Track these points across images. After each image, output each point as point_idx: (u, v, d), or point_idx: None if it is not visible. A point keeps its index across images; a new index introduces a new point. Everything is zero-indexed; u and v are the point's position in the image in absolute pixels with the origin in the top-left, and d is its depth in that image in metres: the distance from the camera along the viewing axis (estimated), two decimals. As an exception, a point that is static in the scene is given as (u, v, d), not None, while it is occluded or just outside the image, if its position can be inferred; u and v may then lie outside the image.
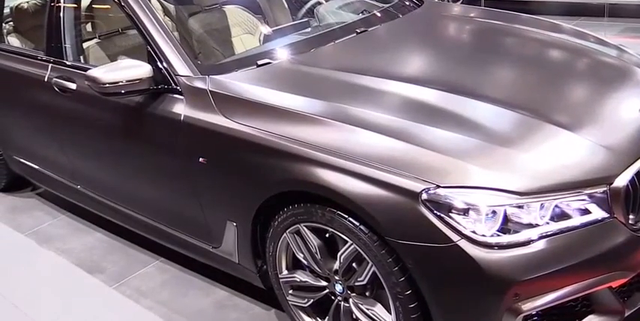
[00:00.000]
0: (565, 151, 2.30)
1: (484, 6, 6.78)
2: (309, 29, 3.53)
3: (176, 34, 3.34)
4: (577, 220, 2.18)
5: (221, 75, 2.85)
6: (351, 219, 2.31)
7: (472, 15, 3.80)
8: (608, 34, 5.35)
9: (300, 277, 2.65)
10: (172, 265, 3.55)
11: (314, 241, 2.51)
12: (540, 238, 2.13)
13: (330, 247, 2.51)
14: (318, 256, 2.53)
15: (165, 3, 3.78)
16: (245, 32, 3.97)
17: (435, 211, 2.13)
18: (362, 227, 2.29)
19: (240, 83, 2.79)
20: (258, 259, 2.82)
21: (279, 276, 2.72)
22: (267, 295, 2.96)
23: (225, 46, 3.73)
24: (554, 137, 2.35)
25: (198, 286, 3.34)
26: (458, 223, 2.12)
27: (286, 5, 4.30)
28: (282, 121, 2.52)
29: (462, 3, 7.52)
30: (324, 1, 3.98)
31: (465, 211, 2.12)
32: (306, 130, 2.45)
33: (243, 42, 3.82)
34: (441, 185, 2.13)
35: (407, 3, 3.73)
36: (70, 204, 4.08)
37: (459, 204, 2.12)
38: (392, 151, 2.28)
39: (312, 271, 2.62)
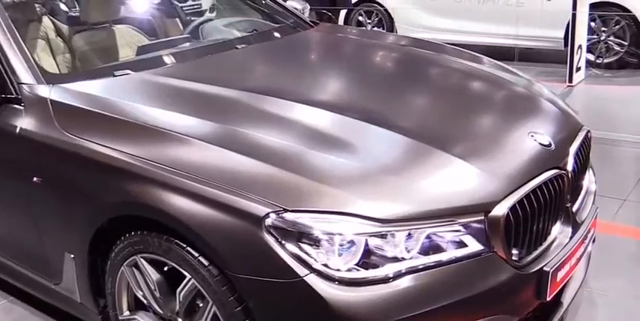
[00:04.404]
0: (445, 177, 2.01)
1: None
2: (187, 44, 3.22)
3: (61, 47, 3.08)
4: (450, 253, 1.88)
5: (68, 84, 2.48)
6: (189, 249, 1.95)
7: (361, 36, 3.59)
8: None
9: (142, 319, 2.26)
10: (20, 305, 3.07)
11: (152, 275, 2.12)
12: (406, 273, 1.82)
13: (173, 283, 2.12)
14: (158, 294, 2.13)
15: (54, 20, 3.45)
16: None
17: (281, 240, 1.79)
18: (201, 259, 1.92)
19: (86, 92, 2.44)
20: (102, 297, 2.40)
21: (120, 317, 2.31)
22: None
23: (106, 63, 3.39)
24: (438, 163, 2.06)
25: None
26: (307, 254, 1.79)
27: (181, 27, 4.02)
28: (121, 135, 2.17)
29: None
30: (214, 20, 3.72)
31: (316, 241, 1.79)
32: (147, 145, 2.10)
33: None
34: (289, 209, 1.79)
35: (296, 24, 3.49)
36: None
37: (309, 232, 1.78)
38: (241, 170, 1.95)
39: (156, 312, 2.22)
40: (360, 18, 8.09)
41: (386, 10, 7.80)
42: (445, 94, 2.71)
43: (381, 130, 2.19)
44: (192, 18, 4.14)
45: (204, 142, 2.04)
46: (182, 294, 2.05)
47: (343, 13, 8.16)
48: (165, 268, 2.09)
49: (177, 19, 4.03)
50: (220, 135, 2.13)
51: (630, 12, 6.34)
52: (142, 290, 2.19)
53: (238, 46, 3.03)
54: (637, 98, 5.79)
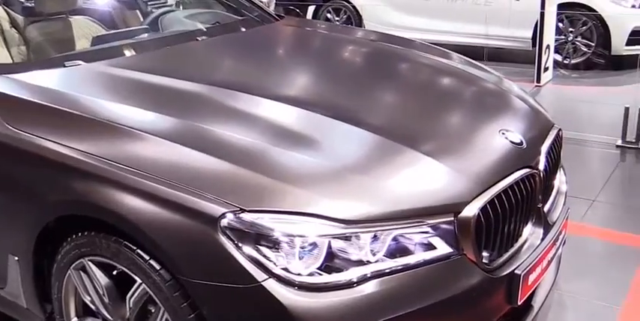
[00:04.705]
0: (413, 176, 1.91)
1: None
2: (145, 35, 3.07)
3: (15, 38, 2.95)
4: (418, 256, 1.77)
5: (12, 74, 2.32)
6: (139, 252, 1.81)
7: (328, 30, 3.48)
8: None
9: (90, 326, 2.11)
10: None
11: (100, 279, 1.98)
12: (371, 278, 1.71)
13: (123, 288, 1.98)
14: (107, 300, 1.99)
15: (9, 10, 3.28)
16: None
17: (238, 242, 1.66)
18: (152, 262, 1.79)
19: (31, 83, 2.28)
20: (49, 302, 2.25)
21: (68, 325, 2.16)
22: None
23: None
24: (406, 161, 1.95)
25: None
26: (266, 257, 1.66)
27: (142, 18, 3.87)
28: (66, 129, 2.03)
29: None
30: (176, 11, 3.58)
31: (276, 243, 1.67)
32: (94, 140, 1.96)
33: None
34: (247, 209, 1.67)
35: (261, 17, 3.37)
36: None
37: (269, 233, 1.66)
38: (197, 167, 1.82)
39: (105, 319, 2.07)
40: (329, 15, 7.99)
41: (354, 7, 7.71)
42: (415, 90, 2.62)
43: (348, 126, 2.08)
44: (154, 10, 4.00)
45: (157, 136, 1.91)
46: (132, 300, 1.91)
47: (311, 10, 8.05)
48: (115, 272, 1.95)
49: (138, 11, 3.88)
50: (174, 129, 2.00)
51: (597, 12, 6.33)
52: (89, 295, 2.05)
53: (199, 38, 2.90)
54: (604, 99, 5.78)
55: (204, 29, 3.03)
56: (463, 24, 6.90)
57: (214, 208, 1.67)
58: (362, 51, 3.17)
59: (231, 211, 1.66)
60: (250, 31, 3.15)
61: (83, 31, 3.56)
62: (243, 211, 1.67)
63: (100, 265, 1.97)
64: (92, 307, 2.07)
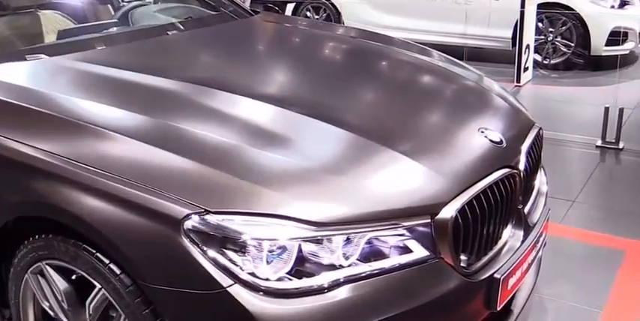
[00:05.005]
0: (389, 176, 1.82)
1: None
2: (114, 29, 2.96)
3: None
4: (393, 260, 1.69)
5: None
6: (99, 255, 1.71)
7: (305, 26, 3.39)
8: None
9: (49, 333, 2.00)
10: None
11: (59, 284, 1.87)
12: (343, 283, 1.62)
13: (83, 294, 1.88)
14: (66, 306, 1.89)
15: None
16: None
17: (202, 246, 1.57)
18: (112, 267, 1.69)
19: (-11, 77, 2.16)
20: (6, 308, 2.14)
21: (25, 331, 2.05)
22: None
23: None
24: (381, 160, 1.86)
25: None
26: (232, 262, 1.57)
27: (113, 13, 3.76)
28: (20, 124, 1.91)
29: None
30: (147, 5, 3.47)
31: (243, 247, 1.57)
32: (50, 137, 1.86)
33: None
34: (212, 210, 1.57)
35: (235, 13, 3.27)
36: None
37: (235, 236, 1.57)
38: (161, 166, 1.72)
39: (65, 326, 1.97)
40: (308, 13, 7.90)
41: (333, 5, 7.63)
42: (393, 87, 2.53)
43: (323, 124, 1.98)
44: (126, 4, 3.89)
45: (119, 134, 1.80)
46: (92, 306, 1.81)
47: (290, 8, 7.96)
48: (74, 277, 1.84)
49: (110, 6, 3.77)
50: (136, 126, 1.90)
51: (577, 12, 6.30)
52: (48, 301, 1.94)
53: (169, 32, 2.79)
54: (583, 99, 5.76)
55: (175, 23, 2.92)
56: (443, 23, 6.85)
57: (177, 210, 1.57)
58: (340, 47, 3.08)
59: (195, 213, 1.57)
60: (224, 26, 3.05)
61: (52, 26, 3.45)
62: (207, 212, 1.57)
63: (59, 269, 1.87)
64: (51, 313, 1.96)
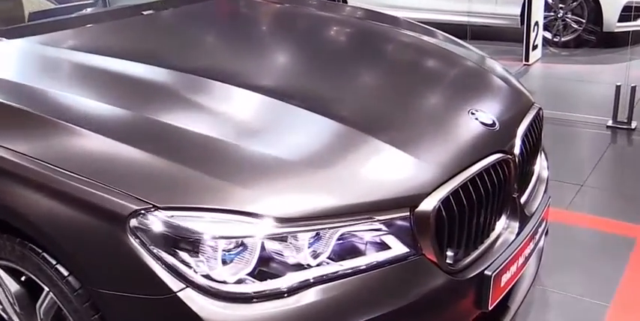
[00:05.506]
0: (363, 164, 1.63)
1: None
2: (88, 10, 2.79)
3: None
4: (369, 258, 1.52)
5: None
6: (45, 256, 1.55)
7: (292, 3, 3.18)
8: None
9: (3, 337, 1.86)
10: None
11: (10, 286, 1.73)
12: (312, 284, 1.46)
13: (35, 296, 1.73)
14: (18, 309, 1.74)
15: None
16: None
17: (150, 246, 1.40)
18: (59, 268, 1.53)
19: None
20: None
21: (-21, 336, 1.91)
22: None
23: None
24: (358, 148, 1.67)
25: None
26: (184, 263, 1.41)
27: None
28: None
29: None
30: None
31: (196, 246, 1.41)
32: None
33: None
34: (161, 206, 1.41)
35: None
36: None
37: (187, 235, 1.40)
38: (113, 160, 1.55)
39: (20, 330, 1.83)
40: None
41: (337, -16, 7.40)
42: (386, 70, 2.32)
43: (302, 111, 1.80)
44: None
45: (67, 123, 1.63)
46: (42, 310, 1.66)
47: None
48: (23, 278, 1.69)
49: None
50: (92, 115, 1.73)
51: (589, -13, 6.06)
52: (1, 303, 1.79)
53: (144, 13, 2.61)
54: (595, 78, 5.53)
55: (151, 3, 2.73)
56: (448, 1, 6.61)
57: (122, 206, 1.41)
58: (334, 28, 2.88)
59: (142, 209, 1.40)
60: (206, 4, 2.86)
61: (35, 9, 3.30)
62: (156, 208, 1.41)
63: (9, 270, 1.72)
64: (4, 315, 1.82)
